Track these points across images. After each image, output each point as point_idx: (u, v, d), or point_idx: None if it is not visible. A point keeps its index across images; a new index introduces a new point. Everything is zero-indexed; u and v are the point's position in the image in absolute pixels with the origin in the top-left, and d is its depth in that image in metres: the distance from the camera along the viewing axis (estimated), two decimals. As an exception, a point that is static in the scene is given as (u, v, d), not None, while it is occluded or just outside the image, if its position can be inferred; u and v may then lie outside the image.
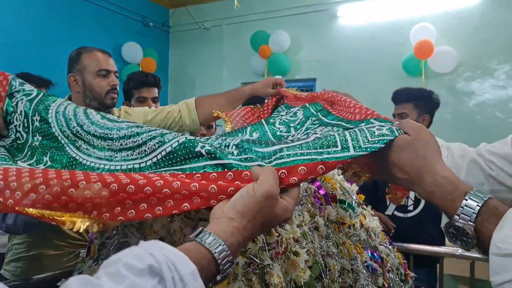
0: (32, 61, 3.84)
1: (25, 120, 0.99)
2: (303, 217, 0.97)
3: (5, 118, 0.99)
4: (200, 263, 0.51)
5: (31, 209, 0.66)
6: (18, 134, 0.99)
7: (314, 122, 0.98)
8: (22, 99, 0.99)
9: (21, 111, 1.00)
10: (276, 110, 1.22)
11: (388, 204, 2.45)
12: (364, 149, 0.71)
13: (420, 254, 2.01)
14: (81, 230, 0.67)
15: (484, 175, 1.03)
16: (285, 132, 0.98)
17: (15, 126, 1.00)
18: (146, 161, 0.79)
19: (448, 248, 2.01)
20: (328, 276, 0.93)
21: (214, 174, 0.70)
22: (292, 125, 1.01)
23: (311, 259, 0.91)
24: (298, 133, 0.96)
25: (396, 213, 2.44)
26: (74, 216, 0.66)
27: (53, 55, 3.93)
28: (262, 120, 1.09)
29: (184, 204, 0.65)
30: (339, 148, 0.73)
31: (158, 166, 0.77)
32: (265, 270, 0.88)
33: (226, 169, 0.70)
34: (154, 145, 0.79)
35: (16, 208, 0.66)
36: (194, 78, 5.76)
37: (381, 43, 4.54)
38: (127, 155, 0.83)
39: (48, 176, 0.69)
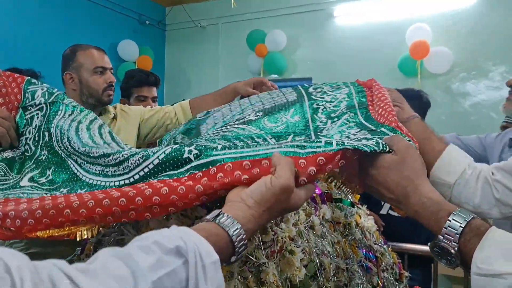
0: (27, 59, 3.81)
1: (37, 134, 1.02)
2: (299, 216, 0.97)
3: (16, 130, 1.01)
4: (220, 246, 0.55)
5: (38, 233, 0.73)
6: (27, 147, 1.02)
7: (350, 120, 0.98)
8: (37, 114, 1.03)
9: (35, 126, 1.04)
10: (326, 89, 1.16)
11: (382, 203, 2.45)
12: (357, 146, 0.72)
13: (415, 254, 2.02)
14: (88, 237, 0.74)
15: (494, 197, 0.93)
16: (323, 124, 0.97)
17: (26, 138, 1.03)
18: (133, 176, 0.80)
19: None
20: (323, 275, 0.94)
21: (199, 173, 0.72)
22: (332, 115, 1.00)
23: (306, 258, 0.92)
24: (333, 127, 0.95)
25: (391, 212, 2.45)
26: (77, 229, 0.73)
27: (49, 53, 3.90)
28: (306, 101, 1.07)
29: (170, 208, 0.69)
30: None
31: (148, 179, 0.78)
32: (261, 269, 0.88)
33: (210, 167, 0.72)
34: (138, 160, 0.79)
35: (25, 234, 0.73)
36: (190, 77, 5.76)
37: (377, 43, 4.55)
38: (114, 170, 0.84)
39: (44, 202, 0.74)
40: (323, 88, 1.15)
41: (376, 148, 0.73)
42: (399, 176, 0.71)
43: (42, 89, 1.08)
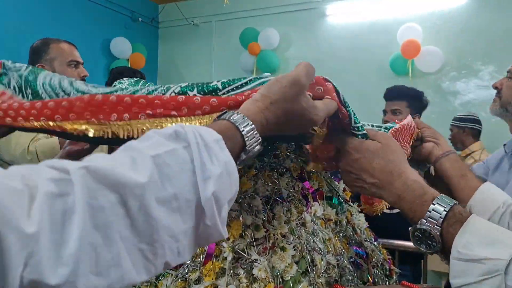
0: (17, 55, 3.78)
1: (20, 95, 0.98)
2: (291, 213, 0.98)
3: None
4: (225, 134, 0.50)
5: (35, 123, 0.73)
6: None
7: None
8: (13, 75, 0.97)
9: (14, 87, 0.98)
10: None
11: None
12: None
13: (405, 250, 2.05)
14: (90, 135, 0.71)
15: None
16: None
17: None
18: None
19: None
20: (314, 271, 0.95)
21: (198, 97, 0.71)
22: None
23: (298, 254, 0.93)
24: None
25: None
26: (79, 124, 0.72)
27: (40, 49, 3.88)
28: None
29: (173, 112, 0.67)
30: None
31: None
32: (253, 265, 0.89)
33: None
34: (158, 92, 0.80)
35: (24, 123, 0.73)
36: (183, 74, 5.74)
37: (369, 42, 4.58)
38: None
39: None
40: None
41: (360, 132, 0.74)
42: (385, 160, 0.71)
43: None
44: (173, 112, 0.68)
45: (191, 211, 0.44)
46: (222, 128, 0.51)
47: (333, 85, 0.70)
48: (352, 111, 0.73)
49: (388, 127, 0.98)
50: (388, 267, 1.31)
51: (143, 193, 0.39)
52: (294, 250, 0.92)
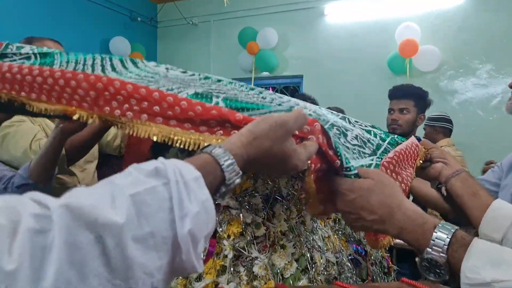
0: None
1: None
2: (290, 211, 0.99)
3: None
4: (204, 168, 0.51)
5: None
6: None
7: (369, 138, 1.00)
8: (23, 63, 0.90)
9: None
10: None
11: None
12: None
13: (403, 248, 2.05)
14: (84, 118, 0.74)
15: None
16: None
17: None
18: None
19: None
20: (314, 269, 0.96)
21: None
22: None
23: (297, 252, 0.94)
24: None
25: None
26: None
27: (39, 49, 3.88)
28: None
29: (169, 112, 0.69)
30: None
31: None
32: (253, 263, 0.91)
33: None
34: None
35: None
36: (181, 74, 5.73)
37: (367, 41, 4.59)
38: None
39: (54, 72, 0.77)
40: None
41: (352, 173, 0.73)
42: (381, 195, 0.71)
43: (32, 48, 0.96)
44: (186, 124, 0.68)
45: (167, 247, 0.45)
46: (202, 163, 0.52)
47: (321, 127, 0.69)
48: (343, 153, 0.73)
49: (383, 153, 0.97)
50: (386, 265, 1.32)
51: (120, 232, 0.41)
52: (294, 248, 0.93)
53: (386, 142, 1.01)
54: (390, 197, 0.71)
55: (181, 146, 0.68)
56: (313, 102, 2.89)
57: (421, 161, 1.06)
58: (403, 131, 2.35)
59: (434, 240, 0.65)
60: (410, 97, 2.41)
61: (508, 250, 0.62)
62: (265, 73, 5.22)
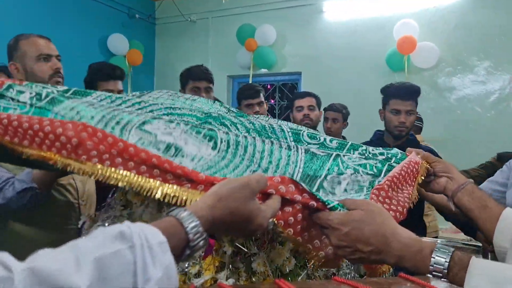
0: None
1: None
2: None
3: None
4: (168, 231, 0.52)
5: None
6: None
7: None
8: (15, 110, 0.96)
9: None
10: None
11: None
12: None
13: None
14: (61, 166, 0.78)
15: None
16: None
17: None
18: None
19: (428, 239, 2.07)
20: (312, 265, 0.97)
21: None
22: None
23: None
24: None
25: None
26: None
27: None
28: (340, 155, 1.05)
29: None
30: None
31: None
32: (252, 259, 0.91)
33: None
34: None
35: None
36: (180, 71, 5.68)
37: (365, 38, 4.59)
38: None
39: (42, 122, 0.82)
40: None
41: (337, 208, 0.74)
42: (374, 225, 0.70)
43: (31, 94, 1.00)
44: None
45: None
46: (167, 226, 0.54)
47: (291, 179, 0.73)
48: (321, 195, 0.74)
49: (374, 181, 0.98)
50: (384, 261, 1.33)
51: None
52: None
53: (383, 172, 1.00)
54: (383, 226, 0.71)
55: (148, 194, 0.73)
56: (318, 100, 2.89)
57: (422, 177, 1.04)
58: (407, 132, 2.34)
59: (433, 266, 0.65)
60: (413, 97, 2.33)
61: (506, 265, 0.63)
62: (264, 70, 5.22)
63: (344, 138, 3.37)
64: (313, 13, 4.93)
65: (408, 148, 1.12)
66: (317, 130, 2.89)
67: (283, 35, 5.06)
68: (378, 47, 4.47)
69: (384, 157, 1.07)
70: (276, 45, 5.06)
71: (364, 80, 4.45)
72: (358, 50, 4.60)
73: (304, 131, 1.14)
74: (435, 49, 4.25)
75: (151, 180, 0.74)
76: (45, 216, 1.56)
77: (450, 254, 0.65)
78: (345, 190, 0.94)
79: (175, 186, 0.72)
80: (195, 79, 2.59)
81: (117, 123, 0.89)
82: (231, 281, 0.89)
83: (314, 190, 0.88)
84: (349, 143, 1.12)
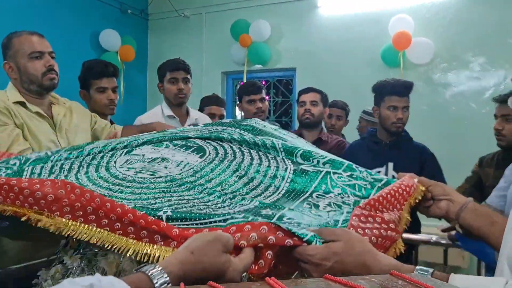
0: (5, 48, 3.71)
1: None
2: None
3: None
4: (134, 283, 0.54)
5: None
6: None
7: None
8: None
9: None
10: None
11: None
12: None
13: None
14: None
15: None
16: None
17: None
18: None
19: (423, 236, 2.07)
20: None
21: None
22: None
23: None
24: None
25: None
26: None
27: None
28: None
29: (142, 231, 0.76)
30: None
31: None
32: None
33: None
34: None
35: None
36: (173, 67, 5.68)
37: (360, 33, 4.57)
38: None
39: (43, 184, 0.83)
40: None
41: (314, 240, 0.73)
42: (355, 255, 0.72)
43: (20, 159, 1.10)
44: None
45: None
46: (137, 282, 0.56)
47: (261, 222, 0.73)
48: (295, 230, 0.73)
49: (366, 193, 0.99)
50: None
51: None
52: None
53: (371, 196, 0.99)
54: (363, 255, 0.73)
55: (120, 252, 0.76)
56: (323, 97, 2.85)
57: (417, 200, 1.03)
58: (403, 129, 2.38)
59: None
60: (408, 93, 2.36)
61: (484, 278, 0.65)
62: (258, 66, 5.19)
63: (343, 136, 3.36)
64: (308, 8, 4.90)
65: (399, 173, 1.11)
66: (321, 127, 2.88)
67: (277, 31, 5.02)
68: (373, 43, 4.45)
69: (374, 180, 1.06)
70: (270, 40, 5.03)
71: (359, 76, 4.43)
72: (353, 45, 4.58)
73: (299, 151, 1.12)
74: (431, 45, 4.23)
75: (124, 238, 0.75)
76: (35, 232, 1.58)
77: (430, 275, 0.67)
78: (329, 204, 0.94)
79: (148, 245, 0.74)
80: (173, 69, 2.59)
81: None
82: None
83: (297, 203, 0.92)
84: (346, 164, 1.11)
